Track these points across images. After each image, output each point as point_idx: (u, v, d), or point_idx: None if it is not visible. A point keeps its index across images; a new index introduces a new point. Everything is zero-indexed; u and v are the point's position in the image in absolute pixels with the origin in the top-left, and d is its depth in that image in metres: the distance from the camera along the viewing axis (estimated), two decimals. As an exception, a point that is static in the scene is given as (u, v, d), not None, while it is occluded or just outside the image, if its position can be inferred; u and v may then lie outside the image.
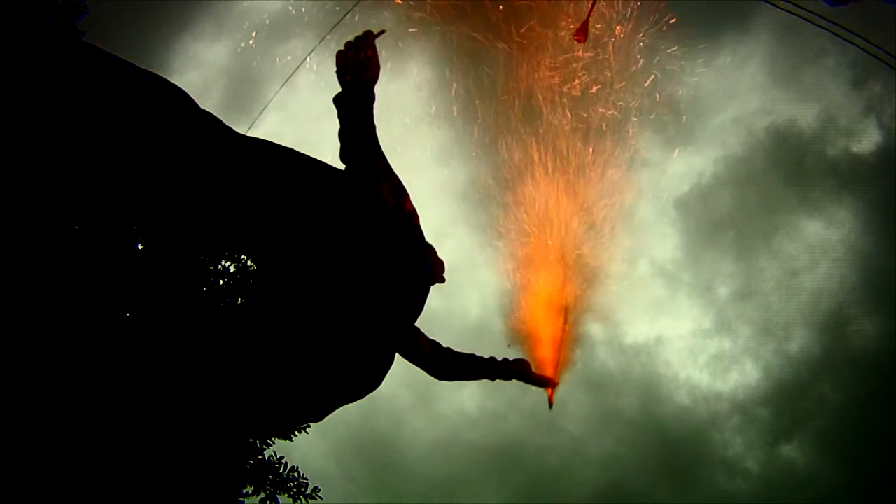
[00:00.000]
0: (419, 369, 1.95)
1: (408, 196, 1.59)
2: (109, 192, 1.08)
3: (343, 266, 1.26)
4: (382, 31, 1.59)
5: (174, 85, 1.10)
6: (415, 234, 1.51)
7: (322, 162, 1.40)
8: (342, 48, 1.58)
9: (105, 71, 1.01)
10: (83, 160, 1.01)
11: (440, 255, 1.71)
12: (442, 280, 1.73)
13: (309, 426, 6.81)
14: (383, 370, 1.43)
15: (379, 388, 1.44)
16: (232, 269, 6.10)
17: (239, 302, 5.84)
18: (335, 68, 1.58)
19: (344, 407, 1.50)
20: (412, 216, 1.55)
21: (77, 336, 4.41)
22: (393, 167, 1.58)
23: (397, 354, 1.54)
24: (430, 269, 1.56)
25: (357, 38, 1.58)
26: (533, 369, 2.13)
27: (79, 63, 0.98)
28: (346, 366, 1.32)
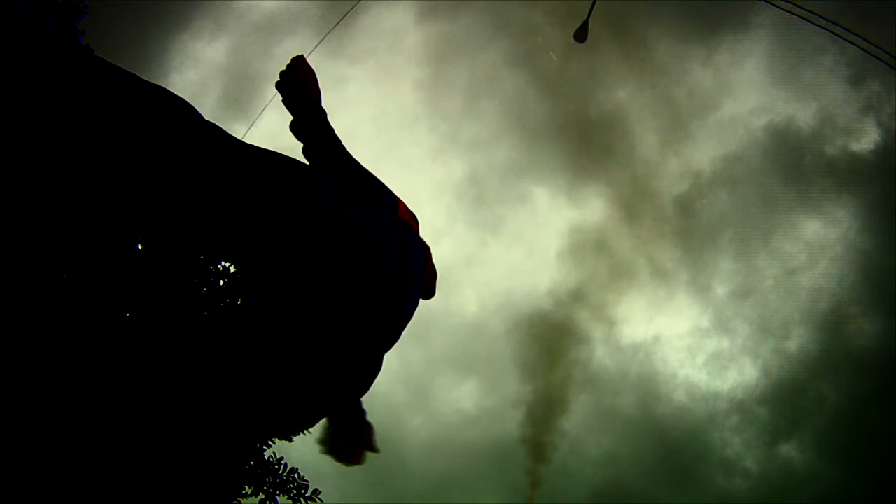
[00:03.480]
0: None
1: (399, 202, 1.60)
2: (110, 199, 1.09)
3: (335, 275, 1.27)
4: (301, 55, 1.66)
5: (178, 96, 1.11)
6: (409, 243, 1.52)
7: (317, 170, 1.41)
8: (278, 79, 1.64)
9: (107, 79, 1.02)
10: (85, 167, 1.02)
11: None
12: (432, 292, 1.74)
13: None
14: (372, 376, 1.44)
15: (376, 388, 1.46)
16: (232, 269, 6.11)
17: (239, 302, 5.85)
18: (280, 98, 1.64)
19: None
20: (407, 224, 1.56)
21: (77, 336, 4.41)
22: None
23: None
24: (421, 279, 1.57)
25: (289, 65, 1.64)
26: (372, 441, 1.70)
27: (80, 71, 0.98)
28: (340, 372, 1.33)
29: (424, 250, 1.69)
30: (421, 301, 1.76)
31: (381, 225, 1.36)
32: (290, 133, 1.65)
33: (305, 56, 1.63)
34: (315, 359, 1.25)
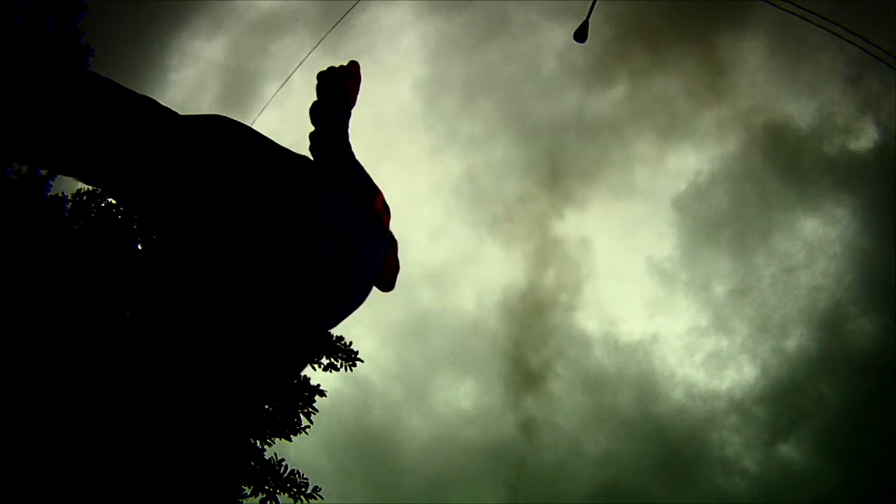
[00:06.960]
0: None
1: (378, 194, 1.63)
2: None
3: (285, 254, 1.29)
4: (357, 62, 1.72)
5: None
6: (371, 232, 1.54)
7: (281, 147, 1.41)
8: (324, 70, 1.68)
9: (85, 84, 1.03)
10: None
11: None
12: (391, 285, 1.76)
13: (310, 425, 6.85)
14: (308, 355, 1.47)
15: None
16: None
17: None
18: (315, 83, 1.68)
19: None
20: (378, 214, 1.58)
21: (77, 336, 4.42)
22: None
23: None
24: (376, 268, 1.59)
25: (342, 65, 1.70)
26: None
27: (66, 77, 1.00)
28: (276, 351, 1.35)
29: (389, 243, 1.71)
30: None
31: (325, 206, 1.36)
32: (308, 113, 1.69)
33: (358, 65, 1.70)
34: (254, 339, 1.26)
